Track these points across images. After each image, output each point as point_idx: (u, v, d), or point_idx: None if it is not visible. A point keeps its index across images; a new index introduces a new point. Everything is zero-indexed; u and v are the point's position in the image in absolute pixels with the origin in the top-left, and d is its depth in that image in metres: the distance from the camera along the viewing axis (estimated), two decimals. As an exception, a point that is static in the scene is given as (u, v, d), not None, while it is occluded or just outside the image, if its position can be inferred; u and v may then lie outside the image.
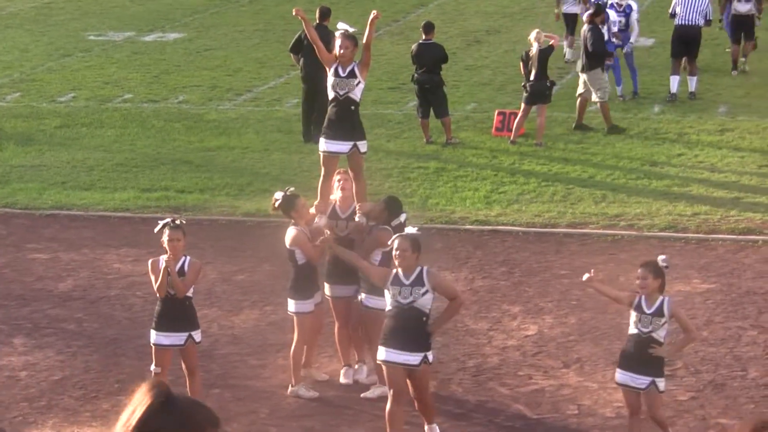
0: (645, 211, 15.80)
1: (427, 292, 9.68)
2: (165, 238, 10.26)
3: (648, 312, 9.53)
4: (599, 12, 19.95)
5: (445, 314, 9.98)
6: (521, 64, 19.13)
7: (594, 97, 19.23)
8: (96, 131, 20.12)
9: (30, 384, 11.42)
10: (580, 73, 19.55)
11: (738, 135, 19.13)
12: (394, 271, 9.78)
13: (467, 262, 14.31)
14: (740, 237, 14.92)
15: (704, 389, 11.08)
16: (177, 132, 19.96)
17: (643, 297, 9.58)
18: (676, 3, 21.54)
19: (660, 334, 9.53)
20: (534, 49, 18.58)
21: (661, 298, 9.57)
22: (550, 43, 18.81)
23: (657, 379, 9.55)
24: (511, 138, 18.93)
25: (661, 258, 9.77)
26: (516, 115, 19.08)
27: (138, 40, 27.77)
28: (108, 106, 21.68)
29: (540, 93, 18.65)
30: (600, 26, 19.72)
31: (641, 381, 9.56)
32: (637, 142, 18.87)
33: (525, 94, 18.85)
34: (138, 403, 3.68)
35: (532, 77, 18.62)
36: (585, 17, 20.05)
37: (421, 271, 9.73)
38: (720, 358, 11.70)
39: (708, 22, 21.72)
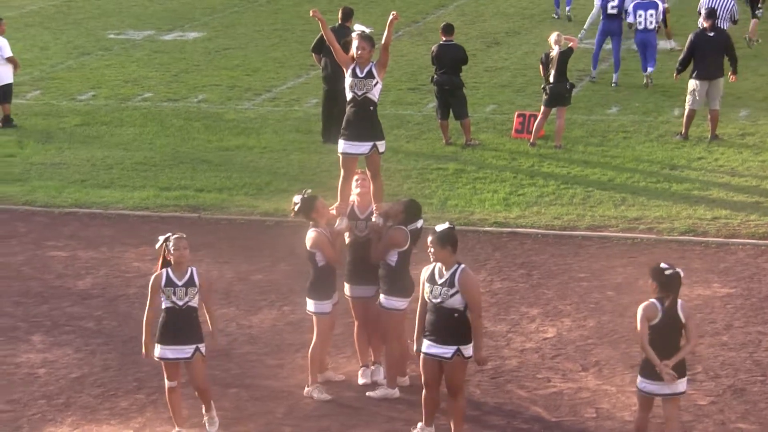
0: (665, 214, 15.75)
1: (456, 293, 9.64)
2: (171, 248, 10.02)
3: None
4: (712, 15, 19.32)
5: (474, 333, 9.74)
6: (541, 66, 19.08)
7: (716, 105, 18.86)
8: (115, 130, 20.18)
9: (49, 381, 11.44)
10: (700, 81, 18.71)
11: (759, 139, 19.05)
12: (433, 266, 9.74)
13: (486, 264, 14.28)
14: (760, 241, 14.85)
15: (724, 394, 11.03)
16: (196, 131, 20.00)
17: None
18: (702, 4, 21.52)
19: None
20: (554, 52, 18.53)
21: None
22: (570, 45, 18.75)
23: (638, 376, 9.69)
24: (531, 140, 18.89)
25: (662, 264, 9.58)
26: (536, 117, 19.04)
27: (158, 39, 27.84)
28: (127, 104, 21.74)
29: (560, 95, 18.60)
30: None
31: None
32: (657, 145, 18.81)
33: (545, 97, 18.80)
34: None
35: (551, 79, 18.57)
36: (705, 24, 19.03)
37: (455, 271, 9.68)
38: (740, 362, 11.64)
39: (735, 22, 21.79)
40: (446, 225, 9.85)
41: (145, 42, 27.49)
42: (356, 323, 11.33)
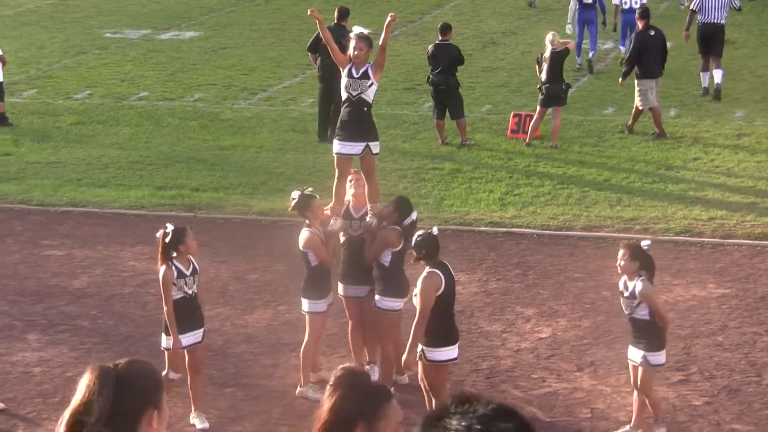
0: (660, 215, 15.76)
1: (416, 295, 9.91)
2: (188, 240, 10.17)
3: (626, 295, 9.95)
4: (646, 15, 19.70)
5: (411, 335, 9.89)
6: (536, 66, 19.09)
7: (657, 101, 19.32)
8: (111, 129, 20.17)
9: (44, 380, 11.44)
10: (649, 80, 19.04)
11: (755, 140, 19.08)
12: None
13: (481, 264, 14.29)
14: (756, 242, 14.86)
15: (719, 394, 11.04)
16: (192, 130, 20.00)
17: (624, 279, 9.94)
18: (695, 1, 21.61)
19: (641, 314, 9.86)
20: (548, 51, 18.50)
21: (634, 282, 9.86)
22: (566, 47, 18.75)
23: (648, 354, 9.88)
24: (527, 140, 18.90)
25: (644, 242, 10.00)
26: (531, 117, 19.05)
27: (154, 38, 27.83)
28: (123, 103, 21.73)
29: (555, 95, 18.60)
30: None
31: (635, 354, 10.03)
32: (653, 146, 18.83)
33: (540, 97, 18.81)
34: (87, 387, 3.98)
35: (544, 77, 18.55)
36: (640, 24, 19.54)
37: (422, 275, 9.85)
38: (735, 363, 11.65)
39: (739, 9, 21.67)
40: (421, 232, 10.02)
41: (141, 41, 27.47)
42: (350, 323, 11.34)
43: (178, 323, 10.24)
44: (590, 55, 23.86)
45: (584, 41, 24.38)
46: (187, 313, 10.27)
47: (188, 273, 10.23)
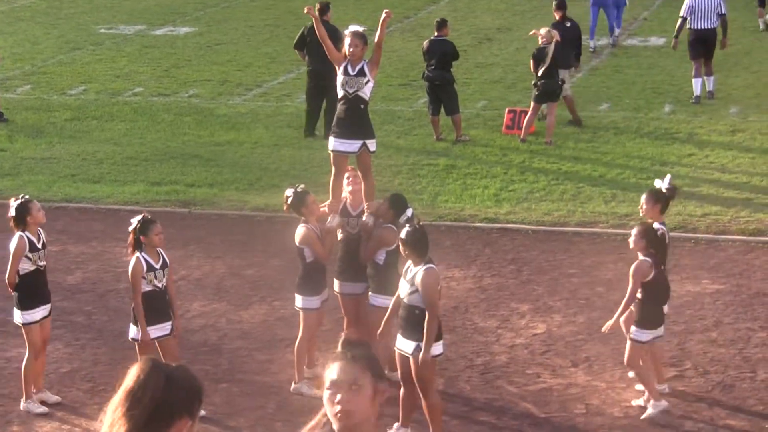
0: (655, 210, 15.75)
1: (416, 291, 9.74)
2: (151, 233, 10.26)
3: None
4: (562, 6, 20.17)
5: (425, 332, 9.71)
6: (532, 61, 19.07)
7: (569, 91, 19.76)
8: (106, 124, 20.15)
9: (38, 376, 11.41)
10: (562, 71, 19.21)
11: (749, 136, 19.10)
12: (409, 261, 9.84)
13: (476, 260, 14.30)
14: (750, 238, 14.89)
15: (713, 390, 11.06)
16: (187, 126, 19.99)
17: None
18: (689, 5, 21.26)
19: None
20: (551, 47, 18.44)
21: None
22: (555, 39, 18.73)
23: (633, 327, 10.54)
24: (522, 136, 18.90)
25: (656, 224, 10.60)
26: (526, 113, 19.06)
27: (149, 33, 27.81)
28: (118, 99, 21.71)
29: (550, 91, 18.62)
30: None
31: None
32: (647, 142, 18.85)
33: (535, 92, 18.82)
34: (138, 378, 3.97)
35: (540, 73, 18.55)
36: (557, 15, 20.18)
37: (419, 269, 9.75)
38: (729, 359, 11.67)
39: (723, 17, 21.31)
40: (409, 227, 9.90)
41: (136, 37, 27.44)
42: (346, 320, 11.33)
43: (146, 315, 10.31)
44: (612, 38, 25.26)
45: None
46: (156, 306, 10.34)
47: (158, 266, 10.31)
